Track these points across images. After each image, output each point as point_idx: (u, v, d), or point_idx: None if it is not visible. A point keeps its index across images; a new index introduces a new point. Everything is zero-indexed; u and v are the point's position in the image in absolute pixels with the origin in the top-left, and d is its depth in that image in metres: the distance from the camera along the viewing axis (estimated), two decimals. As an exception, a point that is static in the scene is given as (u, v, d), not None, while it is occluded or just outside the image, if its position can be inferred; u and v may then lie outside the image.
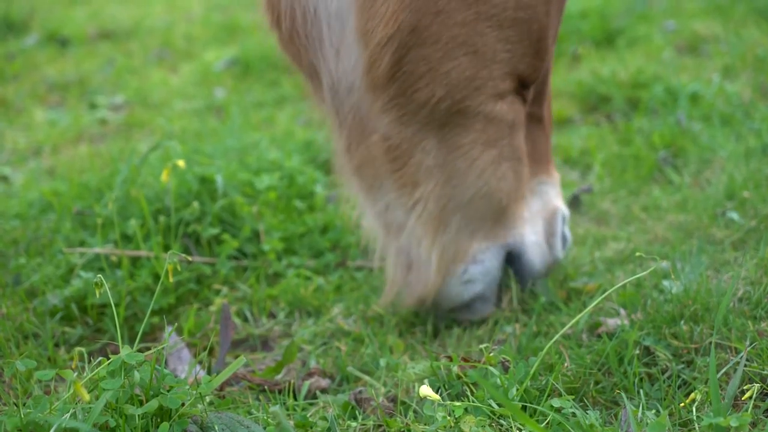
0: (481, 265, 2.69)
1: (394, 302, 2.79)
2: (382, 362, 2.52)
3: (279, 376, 2.55)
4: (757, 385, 2.06)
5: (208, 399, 2.21)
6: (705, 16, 5.83)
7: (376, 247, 2.82)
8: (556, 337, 2.22)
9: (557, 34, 2.65)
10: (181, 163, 2.83)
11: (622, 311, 2.56)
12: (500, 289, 2.81)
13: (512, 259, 2.77)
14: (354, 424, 2.23)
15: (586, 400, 2.26)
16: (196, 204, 3.00)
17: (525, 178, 2.71)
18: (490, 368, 2.22)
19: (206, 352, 2.46)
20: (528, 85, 2.62)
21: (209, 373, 2.52)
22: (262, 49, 5.83)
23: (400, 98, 2.51)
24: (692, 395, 2.10)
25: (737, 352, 2.26)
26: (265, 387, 2.46)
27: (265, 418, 2.21)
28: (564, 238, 2.88)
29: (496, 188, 2.62)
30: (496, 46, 2.47)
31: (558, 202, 2.84)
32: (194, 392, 2.07)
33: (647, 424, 2.03)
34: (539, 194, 2.80)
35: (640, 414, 2.09)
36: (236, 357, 2.64)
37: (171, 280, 2.19)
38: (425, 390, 2.07)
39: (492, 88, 2.51)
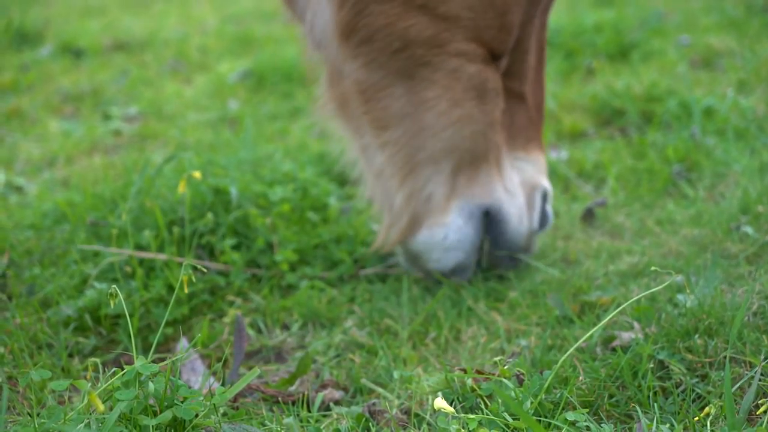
0: (460, 231, 2.89)
1: (385, 245, 3.00)
2: (396, 374, 2.52)
3: (292, 388, 2.55)
4: (772, 400, 2.06)
5: (221, 410, 2.21)
6: (719, 30, 5.82)
7: (366, 187, 3.06)
8: (571, 350, 2.22)
9: (529, 15, 2.80)
10: (197, 174, 2.83)
11: (636, 325, 2.56)
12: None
13: (492, 223, 2.93)
14: (367, 436, 2.23)
15: (600, 414, 2.25)
16: (210, 215, 3.01)
17: (497, 144, 2.86)
18: (505, 381, 2.21)
19: (220, 363, 2.46)
20: (497, 57, 2.79)
21: (223, 384, 2.52)
22: (276, 61, 5.85)
23: (363, 47, 2.73)
24: (706, 409, 2.10)
25: (752, 366, 2.25)
26: (279, 398, 2.46)
27: (279, 429, 2.21)
28: (545, 215, 3.03)
29: (462, 146, 2.80)
30: (460, 12, 2.67)
31: (540, 178, 2.99)
32: (208, 403, 2.07)
33: (662, 438, 2.03)
34: (517, 169, 2.96)
35: (654, 428, 2.08)
36: (250, 368, 2.65)
37: (186, 290, 2.20)
38: (439, 402, 2.07)
39: (455, 48, 2.70)
